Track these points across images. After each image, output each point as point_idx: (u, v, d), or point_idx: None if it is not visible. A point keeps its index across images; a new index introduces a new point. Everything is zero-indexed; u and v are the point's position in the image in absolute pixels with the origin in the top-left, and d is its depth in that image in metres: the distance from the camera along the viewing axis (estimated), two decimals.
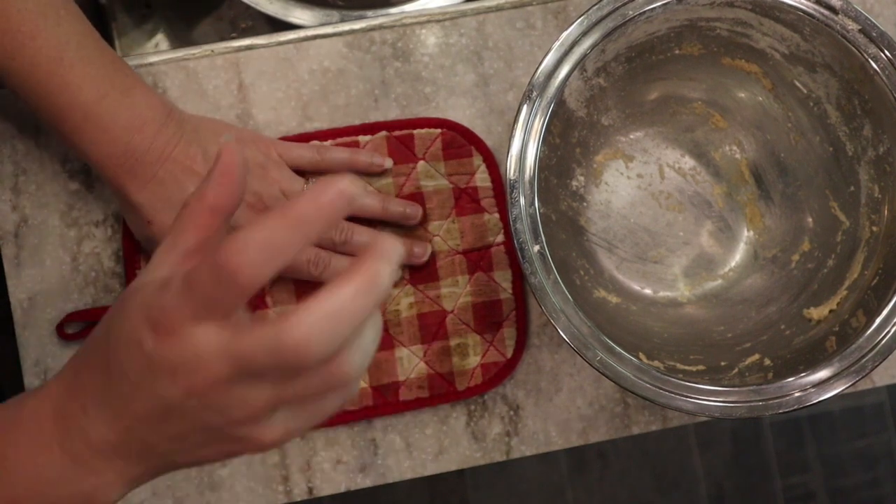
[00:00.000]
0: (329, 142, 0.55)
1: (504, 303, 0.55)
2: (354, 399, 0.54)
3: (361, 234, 0.52)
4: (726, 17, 0.49)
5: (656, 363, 0.46)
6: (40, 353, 0.54)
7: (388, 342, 0.54)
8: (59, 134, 0.47)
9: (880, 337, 0.45)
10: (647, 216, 0.56)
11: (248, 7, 0.59)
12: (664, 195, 0.56)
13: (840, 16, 0.47)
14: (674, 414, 0.56)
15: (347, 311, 0.29)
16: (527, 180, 0.45)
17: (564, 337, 0.44)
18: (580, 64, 0.46)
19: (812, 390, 0.44)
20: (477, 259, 0.55)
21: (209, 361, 0.30)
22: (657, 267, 0.55)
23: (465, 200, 0.55)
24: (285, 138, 0.54)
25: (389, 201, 0.53)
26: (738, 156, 0.56)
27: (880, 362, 0.45)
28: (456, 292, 0.55)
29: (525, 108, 0.46)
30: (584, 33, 0.46)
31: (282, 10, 0.59)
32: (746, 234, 0.56)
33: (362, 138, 0.55)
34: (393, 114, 0.56)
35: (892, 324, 0.45)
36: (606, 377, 0.44)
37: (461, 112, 0.56)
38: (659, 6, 0.47)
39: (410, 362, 0.54)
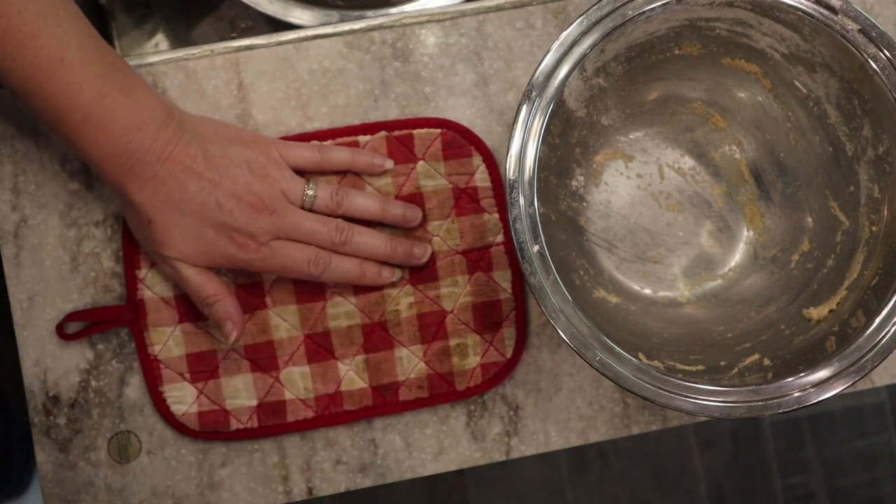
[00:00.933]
0: (329, 142, 0.55)
1: (504, 303, 0.55)
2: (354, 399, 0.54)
3: (361, 234, 0.52)
4: (726, 17, 0.49)
5: (656, 363, 0.46)
6: (40, 353, 0.54)
7: (387, 342, 0.54)
8: (59, 134, 0.47)
9: (880, 337, 0.45)
10: (646, 216, 0.56)
11: (247, 7, 0.59)
12: (664, 195, 0.56)
13: (840, 16, 0.47)
14: (674, 414, 0.56)
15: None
16: (526, 180, 0.45)
17: (564, 337, 0.44)
18: (580, 64, 0.46)
19: (812, 390, 0.44)
20: (476, 259, 0.55)
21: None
22: (657, 267, 0.55)
23: (465, 200, 0.55)
24: (285, 138, 0.54)
25: (389, 203, 0.53)
26: (737, 156, 0.56)
27: (880, 362, 0.45)
28: (455, 292, 0.55)
29: (524, 108, 0.46)
30: (584, 33, 0.46)
31: (281, 10, 0.59)
32: (746, 234, 0.56)
33: (362, 138, 0.55)
34: (393, 114, 0.56)
35: (892, 324, 0.45)
36: (606, 377, 0.44)
37: (461, 112, 0.56)
38: (658, 6, 0.47)
39: (410, 362, 0.54)
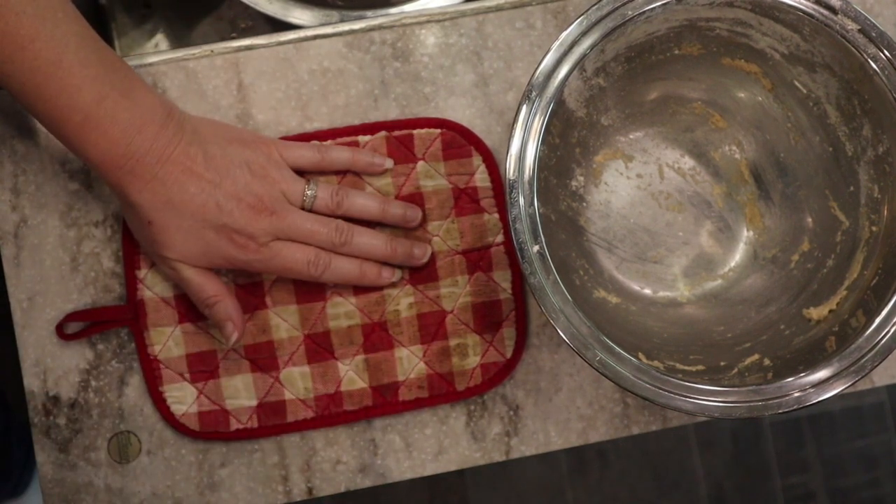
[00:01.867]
0: (329, 142, 0.55)
1: (504, 303, 0.55)
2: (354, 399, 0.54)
3: (361, 235, 0.52)
4: (726, 17, 0.49)
5: (656, 363, 0.46)
6: (40, 353, 0.54)
7: (387, 342, 0.54)
8: (59, 136, 0.47)
9: (880, 337, 0.45)
10: (646, 216, 0.56)
11: (247, 7, 0.59)
12: (664, 195, 0.56)
13: (840, 16, 0.47)
14: (673, 414, 0.56)
15: None
16: (526, 180, 0.45)
17: (564, 337, 0.44)
18: (580, 64, 0.46)
19: (811, 390, 0.44)
20: (476, 259, 0.55)
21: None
22: (657, 267, 0.55)
23: (465, 200, 0.55)
24: (285, 138, 0.54)
25: (389, 203, 0.53)
26: (737, 156, 0.56)
27: (880, 362, 0.45)
28: (455, 292, 0.55)
29: (524, 108, 0.46)
30: (584, 33, 0.46)
31: (281, 10, 0.59)
32: (746, 234, 0.56)
33: (362, 138, 0.55)
34: (393, 114, 0.56)
35: (892, 324, 0.45)
36: (606, 377, 0.44)
37: (461, 112, 0.56)
38: (658, 6, 0.47)
39: (410, 362, 0.54)
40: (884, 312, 0.45)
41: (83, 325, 0.54)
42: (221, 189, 0.48)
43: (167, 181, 0.47)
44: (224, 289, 0.52)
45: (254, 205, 0.49)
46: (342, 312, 0.54)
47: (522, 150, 0.46)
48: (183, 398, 0.54)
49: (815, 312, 0.49)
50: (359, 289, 0.54)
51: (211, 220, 0.49)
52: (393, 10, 0.58)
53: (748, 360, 0.48)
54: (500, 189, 0.55)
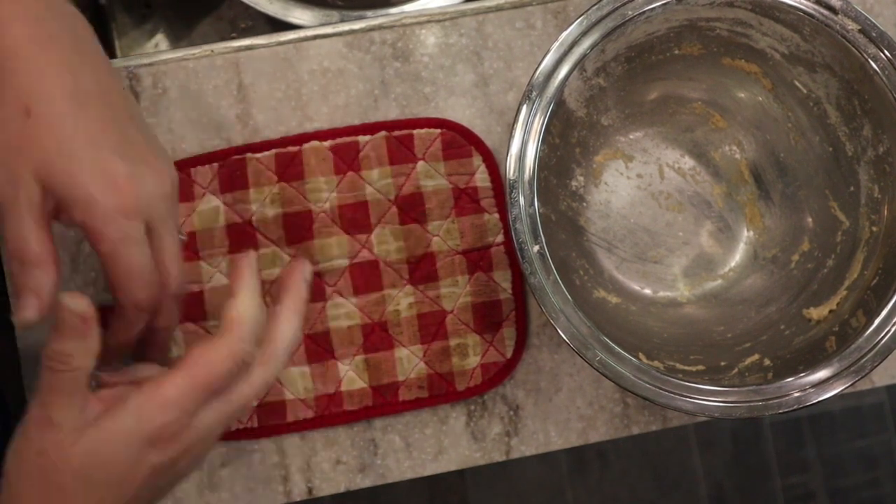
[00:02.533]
0: (329, 141, 0.55)
1: (504, 303, 0.55)
2: (354, 399, 0.54)
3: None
4: (726, 17, 0.49)
5: (656, 363, 0.46)
6: (41, 353, 0.54)
7: (387, 342, 0.54)
8: None
9: (880, 337, 0.45)
10: (646, 216, 0.56)
11: (247, 7, 0.59)
12: (664, 195, 0.56)
13: (840, 16, 0.47)
14: (674, 414, 0.56)
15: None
16: (526, 180, 0.45)
17: (564, 337, 0.44)
18: (580, 64, 0.46)
19: (812, 390, 0.44)
20: (477, 259, 0.55)
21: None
22: (657, 267, 0.55)
23: (465, 200, 0.55)
24: (285, 138, 0.55)
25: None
26: (737, 156, 0.56)
27: (880, 362, 0.45)
28: (456, 292, 0.55)
29: (525, 108, 0.46)
30: (584, 33, 0.46)
31: (282, 10, 0.59)
32: (746, 234, 0.56)
33: (362, 138, 0.55)
34: (393, 114, 0.56)
35: (892, 324, 0.45)
36: (606, 377, 0.44)
37: (461, 112, 0.56)
38: (658, 6, 0.47)
39: (410, 362, 0.54)
40: (884, 312, 0.45)
41: None
42: None
43: None
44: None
45: None
46: (342, 312, 0.54)
47: (522, 150, 0.46)
48: None
49: (815, 312, 0.49)
50: (359, 289, 0.54)
51: None
52: (393, 10, 0.58)
53: (748, 360, 0.48)
54: (500, 189, 0.55)
